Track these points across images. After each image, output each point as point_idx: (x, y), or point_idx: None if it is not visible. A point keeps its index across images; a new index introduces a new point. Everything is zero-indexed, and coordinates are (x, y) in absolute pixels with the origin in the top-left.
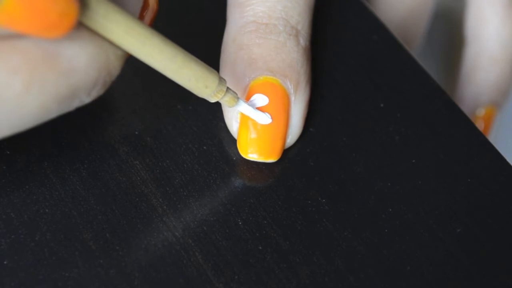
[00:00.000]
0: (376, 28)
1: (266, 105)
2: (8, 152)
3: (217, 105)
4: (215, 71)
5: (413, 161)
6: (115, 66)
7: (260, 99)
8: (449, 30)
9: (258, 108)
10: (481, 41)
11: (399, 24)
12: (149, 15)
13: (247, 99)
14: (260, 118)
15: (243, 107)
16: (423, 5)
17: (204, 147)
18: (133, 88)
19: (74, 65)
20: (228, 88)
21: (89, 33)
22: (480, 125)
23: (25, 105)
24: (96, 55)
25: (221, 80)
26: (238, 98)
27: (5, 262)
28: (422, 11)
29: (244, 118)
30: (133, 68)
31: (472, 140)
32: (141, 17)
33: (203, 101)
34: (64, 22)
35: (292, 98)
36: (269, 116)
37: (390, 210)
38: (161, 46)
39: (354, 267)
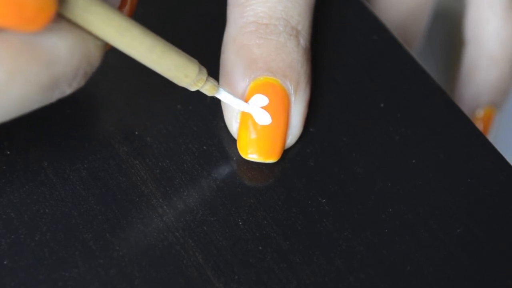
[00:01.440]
0: (376, 28)
1: (266, 105)
2: (8, 152)
3: (217, 105)
4: (195, 60)
5: (413, 161)
6: (95, 56)
7: (260, 100)
8: (449, 30)
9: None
10: (481, 42)
11: (399, 24)
12: (129, 6)
13: (247, 99)
14: (242, 106)
15: (223, 96)
16: (423, 5)
17: (204, 147)
18: (133, 87)
19: (55, 56)
20: (208, 76)
21: (69, 24)
22: (479, 125)
23: (8, 94)
24: (76, 45)
25: (201, 69)
26: (218, 86)
27: (5, 262)
28: (422, 11)
29: (244, 118)
30: (133, 68)
31: (472, 140)
32: (121, 8)
33: (203, 101)
34: (42, 16)
35: (292, 98)
36: (248, 106)
37: (390, 210)
38: (140, 37)
39: (354, 267)
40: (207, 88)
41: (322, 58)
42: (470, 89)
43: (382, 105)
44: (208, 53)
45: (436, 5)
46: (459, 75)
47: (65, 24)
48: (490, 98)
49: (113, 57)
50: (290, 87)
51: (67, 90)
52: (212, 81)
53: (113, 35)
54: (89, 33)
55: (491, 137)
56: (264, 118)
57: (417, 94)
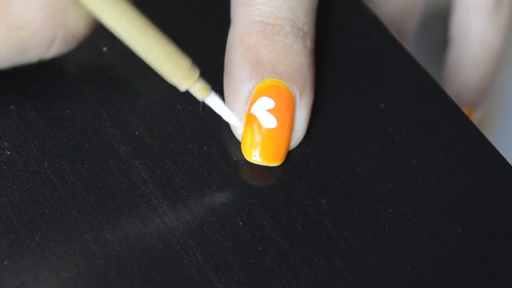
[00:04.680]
0: (376, 28)
1: (272, 108)
2: (8, 153)
3: None
4: (187, 57)
5: (413, 161)
6: (76, 26)
7: (266, 102)
8: (447, 29)
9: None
10: (465, 43)
11: (390, 20)
12: None
13: (253, 101)
14: (230, 118)
15: (214, 100)
16: (413, 2)
17: (204, 147)
18: (134, 88)
19: (24, 21)
20: (200, 77)
21: None
22: None
23: None
24: (52, 13)
25: (193, 66)
26: (210, 89)
27: (5, 263)
28: (412, 8)
29: (249, 121)
30: (134, 68)
31: (472, 140)
32: None
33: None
34: None
35: (298, 102)
36: (237, 120)
37: (391, 210)
38: (131, 14)
39: (355, 267)
40: (198, 87)
41: (322, 58)
42: (452, 89)
43: (382, 105)
44: (209, 53)
45: (434, 5)
46: (442, 74)
47: None
48: (471, 99)
49: (114, 57)
50: (295, 91)
51: (47, 54)
52: (203, 82)
53: (102, 8)
54: (74, 2)
55: (491, 137)
56: (269, 121)
57: (417, 94)
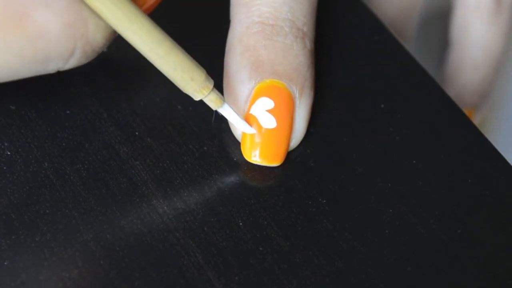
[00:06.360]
0: (376, 28)
1: (271, 108)
2: (9, 153)
3: None
4: (202, 68)
5: (414, 161)
6: (96, 38)
7: (266, 103)
8: (447, 29)
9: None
10: (465, 46)
11: (389, 21)
12: (147, 5)
13: (252, 102)
14: (243, 127)
15: (228, 112)
16: (413, 4)
17: (205, 148)
18: (134, 88)
19: (43, 31)
20: (214, 88)
21: (70, 2)
22: None
23: None
24: (72, 24)
25: (208, 77)
26: (223, 100)
27: (5, 263)
28: (411, 9)
29: (249, 122)
30: (134, 69)
31: (472, 140)
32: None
33: (204, 102)
34: None
35: (297, 102)
36: (250, 128)
37: (391, 210)
38: (149, 27)
39: (355, 268)
40: (212, 98)
41: (322, 58)
42: (452, 91)
43: (382, 105)
44: (209, 53)
45: (434, 5)
46: (442, 76)
47: (65, 1)
48: (471, 101)
49: (114, 58)
50: (295, 91)
51: (65, 66)
52: (217, 93)
53: (122, 19)
54: (93, 14)
55: (491, 137)
56: (269, 122)
57: (418, 95)
